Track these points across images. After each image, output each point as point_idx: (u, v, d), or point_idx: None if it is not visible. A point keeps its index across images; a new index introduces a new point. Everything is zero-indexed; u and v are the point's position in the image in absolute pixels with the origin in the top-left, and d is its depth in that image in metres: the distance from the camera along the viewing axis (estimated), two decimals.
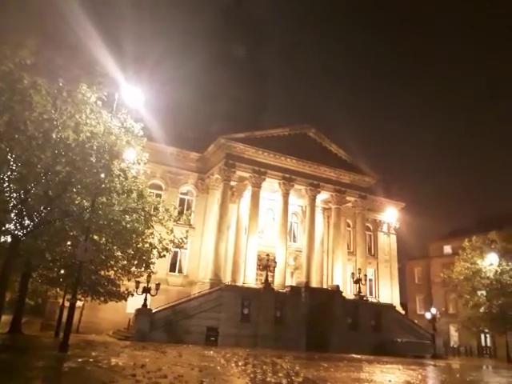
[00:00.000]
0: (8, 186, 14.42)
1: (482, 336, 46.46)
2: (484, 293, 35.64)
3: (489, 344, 47.22)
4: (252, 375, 10.60)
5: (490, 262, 34.66)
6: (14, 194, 14.79)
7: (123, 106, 15.87)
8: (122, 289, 21.58)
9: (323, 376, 11.90)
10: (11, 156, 13.57)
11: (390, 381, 12.22)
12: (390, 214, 43.28)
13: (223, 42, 54.54)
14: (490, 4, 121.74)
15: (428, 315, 36.91)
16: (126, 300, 22.40)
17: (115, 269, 20.17)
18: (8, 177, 14.24)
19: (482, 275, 34.89)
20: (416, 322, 38.49)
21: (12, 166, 13.95)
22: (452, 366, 24.26)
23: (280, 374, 11.11)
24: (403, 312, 40.77)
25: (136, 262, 19.82)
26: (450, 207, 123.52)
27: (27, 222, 15.17)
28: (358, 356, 24.30)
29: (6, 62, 11.28)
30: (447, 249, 56.15)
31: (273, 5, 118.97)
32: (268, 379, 9.86)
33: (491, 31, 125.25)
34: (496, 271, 34.27)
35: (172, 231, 19.86)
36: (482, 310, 35.45)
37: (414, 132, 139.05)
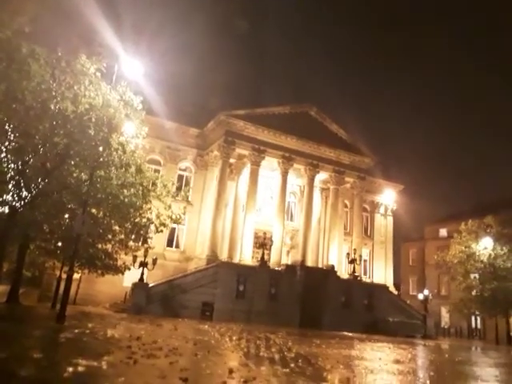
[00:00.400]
0: (6, 156, 14.31)
1: (473, 318, 47.31)
2: (477, 276, 36.10)
3: (479, 326, 48.16)
4: (245, 349, 10.76)
5: (485, 246, 34.96)
6: (12, 165, 14.70)
7: (122, 78, 15.57)
8: (119, 262, 21.71)
9: (315, 352, 12.11)
10: (9, 126, 13.42)
11: (380, 358, 12.44)
12: (388, 196, 43.40)
13: (225, 12, 53.44)
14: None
15: (420, 296, 37.54)
16: (122, 274, 22.58)
17: (112, 242, 20.24)
18: (6, 147, 14.11)
19: (476, 259, 35.26)
20: (408, 302, 39.10)
21: (10, 136, 13.80)
22: (441, 347, 24.74)
23: (273, 349, 11.28)
24: (396, 292, 41.34)
25: (133, 237, 19.92)
26: (447, 191, 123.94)
27: (25, 193, 15.11)
28: (350, 334, 24.72)
29: (4, 30, 11.00)
30: (443, 232, 56.55)
31: None
32: (261, 354, 10.02)
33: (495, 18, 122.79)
34: (490, 255, 34.62)
35: (170, 207, 19.89)
36: (474, 292, 35.98)
37: (414, 115, 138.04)
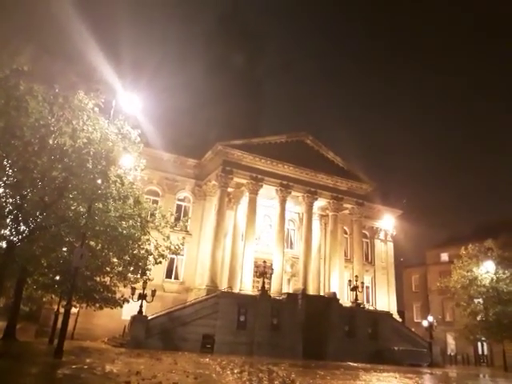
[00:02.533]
0: (4, 191, 14.39)
1: (479, 344, 46.31)
2: (481, 301, 35.59)
3: (486, 352, 47.04)
4: (247, 383, 10.55)
5: (487, 270, 34.66)
6: (10, 200, 14.77)
7: (120, 113, 15.90)
8: (118, 295, 21.46)
9: None
10: (7, 161, 13.57)
11: None
12: (387, 222, 43.39)
13: (220, 50, 54.90)
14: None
15: (425, 323, 36.85)
16: (121, 307, 22.26)
17: (111, 275, 20.07)
18: (4, 182, 14.22)
19: (479, 283, 34.86)
20: (413, 329, 38.39)
21: (8, 171, 13.93)
22: (449, 375, 24.19)
23: (276, 382, 11.06)
24: (400, 320, 40.69)
25: (132, 269, 19.75)
26: (447, 215, 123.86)
27: (23, 227, 15.11)
28: (355, 364, 24.19)
29: (3, 69, 11.33)
30: (444, 256, 56.15)
31: (269, 13, 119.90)
32: None
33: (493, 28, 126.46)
34: (492, 279, 34.26)
35: (168, 237, 19.84)
36: (478, 318, 35.38)
37: (411, 140, 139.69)
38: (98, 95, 14.19)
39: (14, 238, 14.98)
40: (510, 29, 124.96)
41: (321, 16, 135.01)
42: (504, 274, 34.16)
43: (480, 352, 47.34)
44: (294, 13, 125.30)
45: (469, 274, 35.69)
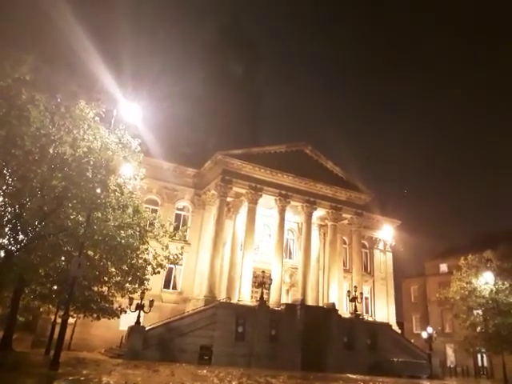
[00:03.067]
0: (3, 200, 14.34)
1: (479, 356, 45.99)
2: (480, 312, 35.40)
3: (486, 364, 46.71)
4: None
5: (486, 281, 34.53)
6: (9, 209, 14.71)
7: (121, 122, 15.95)
8: (115, 305, 21.28)
9: None
10: (7, 170, 13.55)
11: None
12: (386, 232, 43.30)
13: (220, 59, 55.25)
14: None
15: (424, 334, 36.62)
16: (118, 317, 22.07)
17: (109, 285, 19.91)
18: (3, 191, 14.18)
19: (478, 294, 34.70)
20: (412, 341, 38.14)
21: (8, 180, 13.90)
22: None
23: None
24: (399, 331, 40.41)
25: (130, 278, 19.58)
26: (446, 225, 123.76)
27: (21, 236, 15.04)
28: (354, 376, 23.97)
29: (5, 78, 11.37)
30: (443, 267, 56.00)
31: (269, 24, 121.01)
32: None
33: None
34: (491, 290, 34.11)
35: (167, 247, 19.72)
36: (478, 329, 35.16)
37: (410, 151, 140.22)
38: (99, 105, 14.25)
39: (12, 248, 14.89)
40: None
41: (320, 27, 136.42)
42: (503, 285, 34.02)
43: (480, 364, 47.01)
44: (294, 24, 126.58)
45: (468, 285, 35.56)
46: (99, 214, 15.77)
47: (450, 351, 48.92)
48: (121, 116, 15.92)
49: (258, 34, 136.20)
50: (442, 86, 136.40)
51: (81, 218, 15.34)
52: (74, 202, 14.56)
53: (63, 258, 17.54)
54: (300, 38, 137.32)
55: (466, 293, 35.30)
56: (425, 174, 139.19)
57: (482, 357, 46.39)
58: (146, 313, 23.66)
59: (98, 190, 14.70)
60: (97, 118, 14.80)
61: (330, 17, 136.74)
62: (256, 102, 57.13)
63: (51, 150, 13.31)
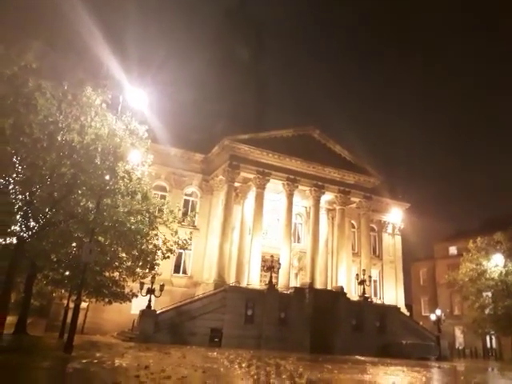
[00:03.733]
0: (13, 188, 14.54)
1: (488, 338, 46.14)
2: (489, 294, 35.44)
3: (494, 346, 46.90)
4: (255, 377, 10.62)
5: (496, 263, 34.45)
6: (20, 196, 14.92)
7: (128, 109, 15.96)
8: (127, 290, 21.66)
9: (327, 378, 11.90)
10: (16, 158, 13.69)
11: (393, 383, 12.19)
12: (395, 215, 43.16)
13: (227, 44, 54.65)
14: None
15: (433, 317, 36.74)
16: (130, 301, 22.48)
17: (120, 270, 20.24)
18: (13, 179, 14.36)
19: (487, 276, 34.68)
20: (421, 323, 38.34)
21: (17, 168, 14.06)
22: (457, 368, 24.11)
23: (283, 376, 11.11)
24: (408, 314, 40.59)
25: (140, 264, 19.88)
26: (455, 208, 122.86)
27: (32, 223, 15.27)
28: (363, 358, 24.20)
29: (12, 66, 11.39)
30: (452, 250, 55.85)
31: (275, 7, 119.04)
32: (271, 381, 9.88)
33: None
34: (501, 272, 34.07)
35: (176, 232, 19.93)
36: (487, 311, 35.25)
37: (420, 132, 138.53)
38: (106, 91, 14.25)
39: (24, 234, 15.15)
40: None
41: (329, 11, 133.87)
42: None
43: (488, 345, 47.20)
44: (301, 8, 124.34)
45: (477, 267, 35.51)
46: (108, 201, 15.93)
47: (458, 333, 49.15)
48: (127, 102, 15.90)
49: (263, 17, 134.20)
50: (452, 69, 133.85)
51: (90, 205, 15.52)
52: (84, 188, 14.72)
53: (74, 244, 17.84)
54: (304, 22, 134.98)
55: (476, 275, 35.30)
56: (434, 156, 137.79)
57: (490, 338, 46.55)
58: (157, 297, 24.04)
59: (107, 177, 14.82)
60: (104, 105, 14.83)
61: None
62: (262, 87, 56.68)
63: (59, 138, 13.40)
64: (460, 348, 46.46)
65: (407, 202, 46.79)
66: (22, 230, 15.18)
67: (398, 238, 46.29)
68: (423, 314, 54.52)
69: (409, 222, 46.57)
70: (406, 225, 46.34)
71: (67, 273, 19.82)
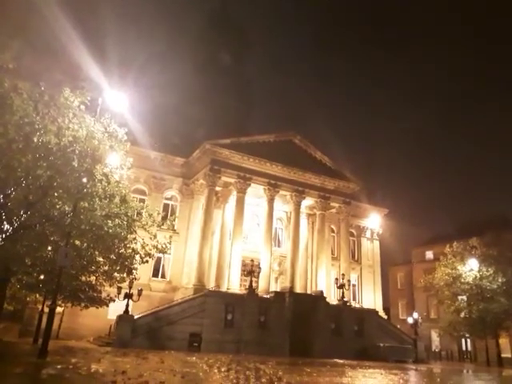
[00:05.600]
0: None
1: (463, 340, 47.15)
2: (464, 298, 36.20)
3: (469, 348, 47.95)
4: (235, 381, 10.60)
5: (470, 268, 35.24)
6: None
7: (107, 111, 15.75)
8: (104, 295, 21.27)
9: (306, 381, 11.97)
10: None
11: None
12: (374, 220, 43.83)
13: (208, 48, 54.64)
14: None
15: (410, 320, 37.32)
16: (107, 306, 22.08)
17: (97, 274, 19.84)
18: None
19: (462, 280, 35.44)
20: (398, 326, 38.88)
21: None
22: (433, 371, 24.56)
23: (263, 380, 11.12)
24: (386, 317, 41.16)
25: (118, 268, 19.53)
26: (432, 213, 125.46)
27: (6, 226, 14.88)
28: (341, 361, 24.42)
29: None
30: (429, 254, 56.98)
31: (258, 10, 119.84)
32: None
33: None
34: (476, 276, 34.85)
35: (155, 236, 19.70)
36: (462, 314, 35.99)
37: (398, 139, 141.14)
38: (84, 93, 14.03)
39: None
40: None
41: (309, 15, 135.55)
42: (487, 271, 34.75)
43: (464, 348, 48.24)
44: (283, 10, 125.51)
45: (453, 271, 36.27)
46: (86, 204, 15.65)
47: (434, 336, 50.01)
48: (107, 105, 15.70)
49: (247, 21, 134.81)
50: (429, 73, 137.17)
51: (67, 208, 15.21)
52: (60, 191, 14.42)
53: (50, 248, 17.40)
54: (286, 24, 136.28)
55: (451, 279, 36.04)
56: (411, 163, 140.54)
57: (465, 341, 47.58)
58: (135, 302, 23.73)
59: (84, 180, 14.58)
60: (82, 107, 14.58)
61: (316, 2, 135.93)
62: (245, 91, 56.79)
63: (35, 139, 13.11)
64: (436, 351, 47.34)
65: (385, 207, 47.61)
66: None
67: (377, 243, 47.00)
68: (400, 317, 55.34)
69: (387, 227, 47.35)
70: (384, 230, 47.10)
71: (42, 277, 19.34)
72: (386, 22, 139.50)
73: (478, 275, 34.81)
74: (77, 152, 13.97)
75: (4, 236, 14.78)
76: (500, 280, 34.24)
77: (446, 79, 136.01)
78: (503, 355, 36.07)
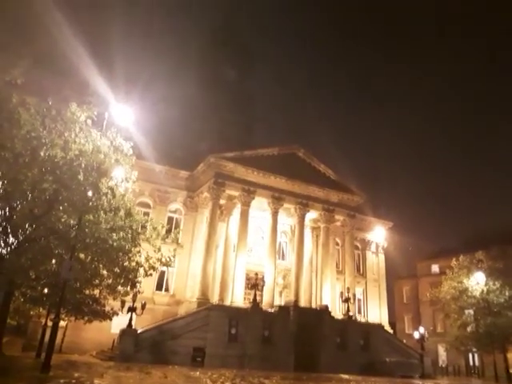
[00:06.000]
0: None
1: (470, 355, 46.36)
2: (471, 312, 35.72)
3: (477, 363, 47.10)
4: None
5: (477, 282, 34.85)
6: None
7: (113, 125, 15.96)
8: (107, 308, 21.20)
9: None
10: None
11: None
12: (379, 233, 43.58)
13: (213, 64, 55.33)
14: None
15: (416, 335, 36.82)
16: (110, 320, 21.98)
17: (100, 287, 19.83)
18: None
19: (469, 294, 35.01)
20: (404, 341, 38.36)
21: None
22: None
23: None
24: (392, 331, 40.63)
25: (122, 281, 19.53)
26: (437, 226, 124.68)
27: (11, 239, 14.97)
28: (347, 376, 24.09)
29: None
30: (435, 268, 56.44)
31: (262, 28, 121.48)
32: None
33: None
34: (483, 290, 34.44)
35: (159, 250, 19.74)
36: (469, 329, 35.45)
37: (402, 153, 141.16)
38: (91, 108, 14.26)
39: (3, 250, 14.83)
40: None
41: (310, 29, 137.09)
42: (494, 285, 34.35)
43: (471, 363, 47.39)
44: (285, 26, 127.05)
45: (459, 285, 35.86)
46: (91, 217, 15.76)
47: (441, 351, 49.22)
48: (113, 119, 15.92)
49: (251, 37, 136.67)
50: (435, 83, 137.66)
51: (72, 221, 15.31)
52: (65, 204, 14.54)
53: (54, 261, 17.46)
54: (291, 41, 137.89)
55: (457, 293, 35.61)
56: (417, 176, 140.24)
57: (473, 356, 46.77)
58: (138, 315, 23.60)
59: (90, 193, 14.71)
60: (88, 121, 14.81)
61: (317, 13, 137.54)
62: (248, 105, 57.28)
63: (42, 153, 13.29)
64: (443, 365, 46.49)
65: (390, 220, 47.36)
66: (0, 246, 14.86)
67: (382, 257, 46.63)
68: (407, 331, 54.59)
69: (392, 241, 47.05)
70: (390, 243, 46.80)
71: (46, 290, 19.35)
72: (391, 34, 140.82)
73: (485, 289, 34.40)
74: (83, 166, 14.12)
75: (9, 249, 14.87)
76: (507, 294, 33.83)
77: (448, 90, 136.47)
78: None
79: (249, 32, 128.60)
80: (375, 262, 45.84)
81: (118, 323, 24.37)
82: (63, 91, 12.94)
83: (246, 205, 33.88)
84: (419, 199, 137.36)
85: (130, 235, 18.11)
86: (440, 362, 48.14)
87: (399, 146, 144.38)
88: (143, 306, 23.66)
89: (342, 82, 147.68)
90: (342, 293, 33.09)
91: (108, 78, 14.72)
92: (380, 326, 34.49)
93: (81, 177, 14.17)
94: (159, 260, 19.70)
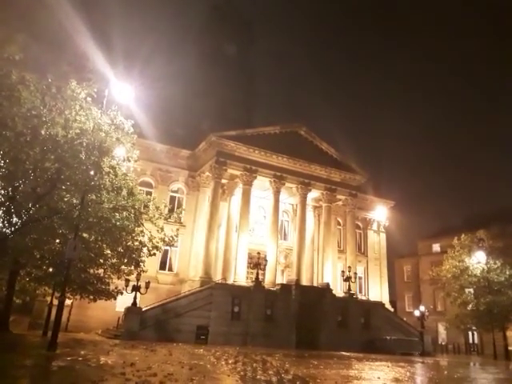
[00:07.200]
0: None
1: (470, 333, 47.05)
2: (471, 291, 36.03)
3: (476, 341, 47.85)
4: (242, 373, 10.61)
5: (478, 260, 35.03)
6: (2, 191, 14.58)
7: (113, 103, 15.70)
8: (112, 287, 21.34)
9: (313, 373, 11.96)
10: None
11: (378, 378, 12.32)
12: (380, 213, 43.64)
13: (214, 40, 54.37)
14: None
15: (417, 313, 37.29)
16: (115, 298, 22.16)
17: (104, 267, 19.96)
18: None
19: (470, 273, 35.25)
20: (405, 319, 38.83)
21: (0, 162, 13.73)
22: (440, 363, 24.52)
23: (270, 372, 11.13)
24: (392, 310, 41.12)
25: (126, 260, 19.65)
26: (438, 205, 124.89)
27: (15, 219, 14.94)
28: (348, 353, 24.43)
29: None
30: (436, 247, 56.74)
31: (262, 2, 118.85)
32: (258, 377, 9.88)
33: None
34: (483, 269, 34.64)
35: (162, 229, 19.74)
36: (469, 307, 35.83)
37: (404, 131, 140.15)
38: (91, 85, 13.99)
39: (7, 230, 14.82)
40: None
41: (314, 7, 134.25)
42: (495, 264, 34.56)
43: (470, 341, 48.12)
44: (287, 3, 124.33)
45: (460, 263, 36.07)
46: (93, 197, 15.69)
47: (441, 329, 49.98)
48: (113, 96, 15.63)
49: (251, 13, 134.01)
50: (439, 59, 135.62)
51: (75, 201, 15.25)
52: (68, 184, 14.45)
53: (58, 241, 17.50)
54: (294, 19, 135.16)
55: (458, 271, 35.85)
56: (418, 155, 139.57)
57: (472, 334, 47.47)
58: (143, 294, 23.82)
59: (92, 172, 14.59)
60: (88, 99, 14.55)
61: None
62: (250, 83, 56.53)
63: (43, 132, 13.11)
64: (443, 344, 47.27)
65: (392, 199, 47.38)
66: (4, 226, 14.84)
67: (383, 236, 46.83)
68: (407, 310, 55.30)
69: (393, 220, 47.14)
70: (391, 222, 46.89)
71: (51, 270, 19.47)
72: (396, 18, 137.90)
73: (486, 268, 34.60)
74: (84, 144, 13.96)
75: (13, 229, 14.85)
76: (508, 272, 34.06)
77: (454, 73, 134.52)
78: (510, 348, 35.96)
79: (251, 8, 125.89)
80: (376, 241, 46.05)
81: (123, 302, 24.63)
82: (62, 67, 12.66)
83: (248, 184, 33.78)
84: (421, 178, 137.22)
85: (132, 215, 18.09)
86: (440, 340, 48.91)
87: (401, 124, 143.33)
88: (147, 285, 23.85)
89: (343, 58, 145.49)
90: (343, 271, 33.33)
91: (107, 53, 14.40)
92: (381, 305, 34.86)
93: (82, 155, 14.03)
94: (162, 239, 19.71)
